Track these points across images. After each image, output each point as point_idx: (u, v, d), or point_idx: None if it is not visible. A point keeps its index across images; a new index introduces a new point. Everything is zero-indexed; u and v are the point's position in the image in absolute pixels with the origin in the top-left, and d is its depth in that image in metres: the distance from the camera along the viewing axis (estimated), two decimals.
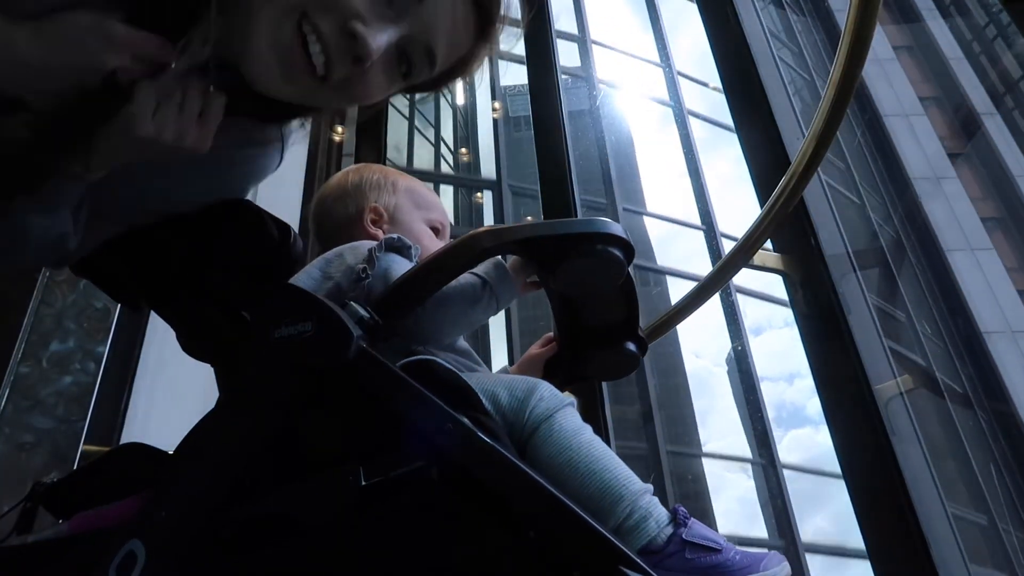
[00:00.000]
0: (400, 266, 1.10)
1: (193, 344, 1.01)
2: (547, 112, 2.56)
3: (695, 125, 7.46)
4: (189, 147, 0.76)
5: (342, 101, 0.82)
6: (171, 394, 2.45)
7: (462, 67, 0.89)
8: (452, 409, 0.81)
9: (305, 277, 1.08)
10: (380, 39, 0.74)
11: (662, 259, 6.81)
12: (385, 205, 1.29)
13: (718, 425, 6.56)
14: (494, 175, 6.67)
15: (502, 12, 0.86)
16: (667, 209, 7.24)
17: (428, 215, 1.33)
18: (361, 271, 1.07)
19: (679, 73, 7.80)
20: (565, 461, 0.86)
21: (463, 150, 7.91)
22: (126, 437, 2.24)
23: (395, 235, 1.16)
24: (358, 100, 0.82)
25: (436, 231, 1.32)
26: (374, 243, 1.15)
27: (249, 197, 1.04)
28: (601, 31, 7.78)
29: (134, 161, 0.77)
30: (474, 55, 0.89)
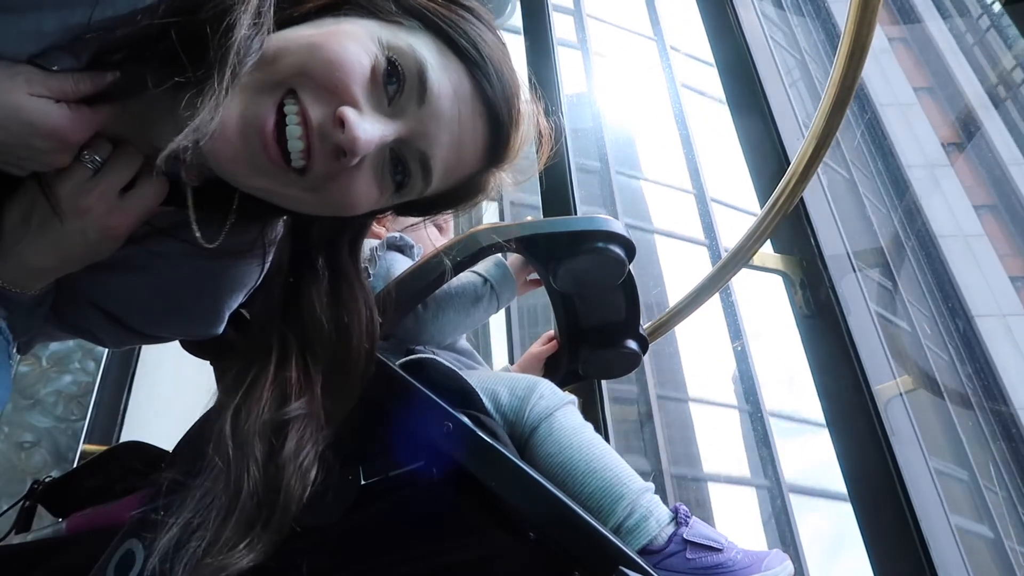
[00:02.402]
0: (401, 265, 1.09)
1: (192, 342, 1.01)
2: (542, 87, 2.55)
3: (698, 100, 7.45)
4: (96, 224, 0.64)
5: (319, 205, 0.66)
6: (170, 393, 2.45)
7: (464, 192, 0.76)
8: (452, 408, 0.81)
9: None
10: (372, 133, 0.61)
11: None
12: None
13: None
14: None
15: (520, 137, 0.73)
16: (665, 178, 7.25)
17: None
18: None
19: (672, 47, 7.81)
20: (565, 459, 0.86)
21: None
22: (126, 436, 2.24)
23: (396, 233, 1.16)
24: (338, 207, 0.67)
25: (439, 228, 1.32)
26: (376, 241, 1.14)
27: None
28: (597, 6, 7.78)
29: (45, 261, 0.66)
30: (481, 182, 0.76)
